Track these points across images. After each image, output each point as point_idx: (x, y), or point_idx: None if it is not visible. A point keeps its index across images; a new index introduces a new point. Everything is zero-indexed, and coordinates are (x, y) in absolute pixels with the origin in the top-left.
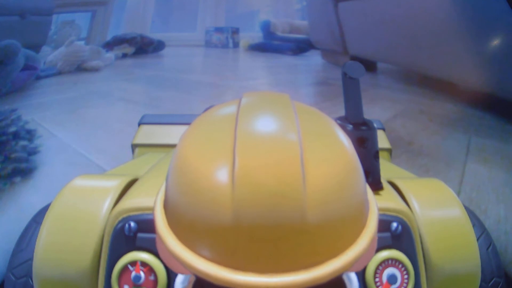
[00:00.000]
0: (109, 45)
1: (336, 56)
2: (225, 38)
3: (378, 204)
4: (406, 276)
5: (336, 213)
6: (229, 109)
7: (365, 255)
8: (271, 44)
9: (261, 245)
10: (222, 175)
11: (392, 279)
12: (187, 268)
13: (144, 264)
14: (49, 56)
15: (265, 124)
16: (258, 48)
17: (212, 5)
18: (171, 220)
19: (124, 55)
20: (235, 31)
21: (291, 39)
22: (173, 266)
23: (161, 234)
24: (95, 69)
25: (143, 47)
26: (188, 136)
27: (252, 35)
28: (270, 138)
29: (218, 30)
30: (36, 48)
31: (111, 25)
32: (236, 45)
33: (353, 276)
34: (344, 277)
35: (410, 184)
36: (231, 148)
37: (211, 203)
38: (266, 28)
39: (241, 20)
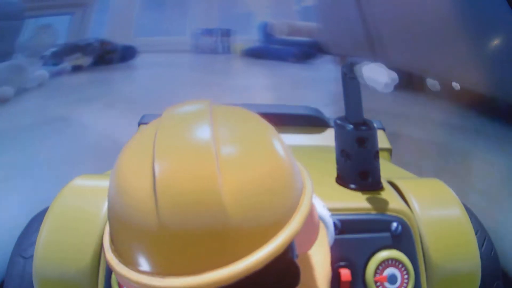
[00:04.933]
0: (57, 56)
1: None
2: (215, 41)
3: (378, 204)
4: (406, 276)
5: (254, 210)
6: (151, 126)
7: (306, 234)
8: (269, 49)
9: (187, 248)
10: (145, 188)
11: (392, 279)
12: (122, 280)
13: None
14: None
15: (181, 135)
16: (254, 53)
17: (204, 6)
18: (114, 241)
19: (77, 68)
20: (226, 33)
21: (293, 42)
22: (122, 283)
23: (107, 257)
24: (3, 100)
25: (105, 55)
26: (119, 157)
27: (246, 38)
28: (186, 147)
29: (207, 32)
30: (3, 56)
31: (91, 29)
32: (227, 50)
33: (325, 215)
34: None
35: (410, 184)
36: (150, 162)
37: (138, 214)
38: (264, 30)
39: (235, 22)
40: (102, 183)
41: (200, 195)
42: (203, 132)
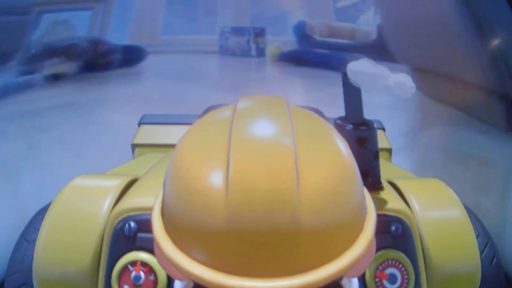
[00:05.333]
0: (34, 61)
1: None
2: (246, 42)
3: (378, 204)
4: (406, 276)
5: (330, 218)
6: (225, 113)
7: (362, 260)
8: (311, 54)
9: (255, 250)
10: (216, 180)
11: (392, 279)
12: (182, 272)
13: (144, 264)
14: None
15: (260, 128)
16: (293, 58)
17: (233, 3)
18: (167, 225)
19: (54, 77)
20: (260, 33)
21: (337, 45)
22: (170, 272)
23: (157, 239)
24: None
25: (99, 60)
26: (184, 141)
27: (282, 39)
28: (264, 142)
29: (237, 31)
30: (6, 55)
31: (113, 26)
32: (261, 52)
33: (354, 280)
34: (344, 283)
35: (410, 184)
36: (225, 153)
37: (205, 208)
38: (301, 31)
39: (267, 22)
40: (102, 183)
41: (275, 198)
42: (283, 128)
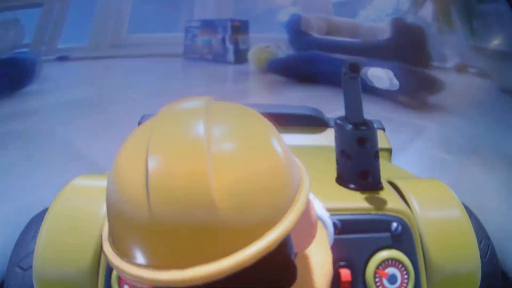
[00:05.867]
0: None
1: None
2: (220, 41)
3: (378, 204)
4: (406, 276)
5: (248, 205)
6: (150, 121)
7: (300, 233)
8: (319, 61)
9: (179, 242)
10: (138, 183)
11: (392, 279)
12: (117, 271)
13: None
14: None
15: (175, 131)
16: (291, 67)
17: None
18: (110, 232)
19: None
20: (240, 28)
21: (342, 45)
22: (118, 274)
23: (103, 247)
24: None
25: None
26: (118, 152)
27: (269, 37)
28: (178, 143)
29: (207, 25)
30: None
31: (69, 25)
32: (241, 56)
33: (324, 215)
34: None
35: (410, 184)
36: (144, 158)
37: (131, 209)
38: (295, 27)
39: (252, 19)
40: (102, 183)
41: (190, 190)
42: (196, 129)
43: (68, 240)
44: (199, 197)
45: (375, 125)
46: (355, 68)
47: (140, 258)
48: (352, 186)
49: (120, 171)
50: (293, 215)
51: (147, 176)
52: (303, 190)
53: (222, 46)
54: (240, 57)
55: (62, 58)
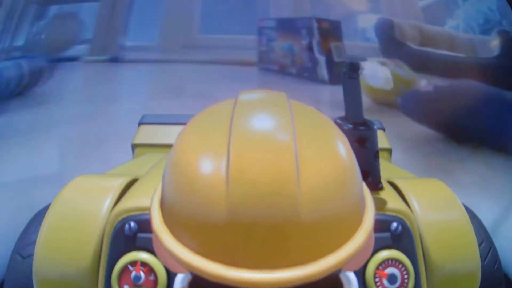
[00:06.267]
0: None
1: None
2: (305, 48)
3: (377, 204)
4: (406, 276)
5: (330, 211)
6: (225, 106)
7: (361, 253)
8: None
9: (255, 242)
10: (217, 173)
11: (392, 279)
12: (181, 264)
13: (144, 264)
14: None
15: (260, 122)
16: (450, 118)
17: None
18: (167, 218)
19: None
20: (330, 30)
21: (449, 60)
22: (169, 265)
23: (156, 231)
24: None
25: None
26: (184, 133)
27: (352, 44)
28: (265, 135)
29: (285, 25)
30: None
31: (134, 22)
32: (337, 75)
33: (352, 277)
34: (342, 277)
35: (410, 184)
36: (225, 145)
37: (206, 200)
38: (388, 33)
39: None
40: (102, 183)
41: (275, 185)
42: (284, 123)
43: (68, 239)
44: (284, 199)
45: (375, 125)
46: (355, 68)
47: (205, 250)
48: None
49: (192, 152)
50: (363, 234)
51: (228, 165)
52: (370, 210)
53: (308, 55)
54: (337, 75)
55: (117, 59)
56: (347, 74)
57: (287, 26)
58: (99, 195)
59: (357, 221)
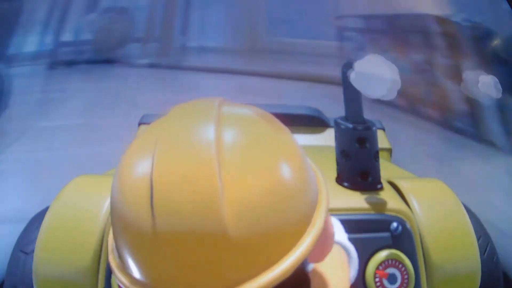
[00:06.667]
0: None
1: None
2: (421, 67)
3: (377, 204)
4: (406, 276)
5: (262, 223)
6: (156, 128)
7: (320, 248)
8: None
9: (184, 267)
10: (143, 194)
11: (392, 279)
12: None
13: None
14: None
15: (183, 139)
16: None
17: None
18: (116, 246)
19: None
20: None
21: None
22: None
23: (109, 257)
24: None
25: None
26: (120, 162)
27: None
28: (187, 153)
29: (382, 25)
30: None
31: (195, 20)
32: None
33: (349, 245)
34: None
35: (410, 184)
36: (150, 167)
37: (133, 220)
38: None
39: None
40: (102, 183)
41: (198, 205)
42: (206, 136)
43: (68, 239)
44: (207, 213)
45: (375, 125)
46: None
47: (140, 274)
48: (352, 186)
49: (124, 177)
50: (311, 237)
51: (151, 185)
52: (321, 209)
53: (429, 80)
54: None
55: (177, 65)
56: (347, 74)
57: (384, 26)
58: (99, 195)
59: (303, 225)
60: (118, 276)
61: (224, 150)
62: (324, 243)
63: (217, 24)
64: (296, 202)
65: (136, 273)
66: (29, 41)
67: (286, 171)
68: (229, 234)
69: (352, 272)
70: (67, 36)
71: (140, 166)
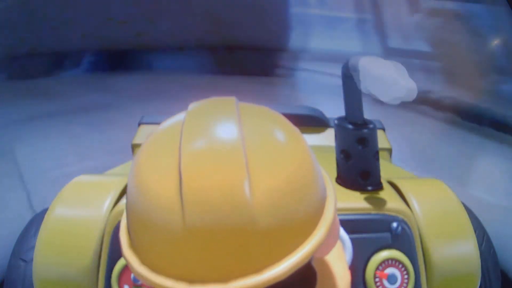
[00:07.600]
0: None
1: None
2: None
3: (377, 204)
4: (406, 276)
5: (287, 212)
6: (175, 124)
7: (326, 242)
8: None
9: (213, 253)
10: (171, 191)
11: (392, 279)
12: (148, 284)
13: None
14: None
15: (208, 137)
16: None
17: None
18: (133, 242)
19: None
20: None
21: None
22: (144, 284)
23: (125, 256)
24: None
25: None
26: (139, 158)
27: None
28: (213, 151)
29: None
30: None
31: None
32: None
33: (345, 236)
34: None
35: (410, 184)
36: (177, 169)
37: (164, 222)
38: None
39: None
40: (102, 183)
41: (228, 198)
42: (231, 132)
43: (68, 240)
44: (237, 206)
45: (375, 125)
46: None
47: (170, 269)
48: (352, 186)
49: (148, 175)
50: (325, 225)
51: (180, 181)
52: (330, 199)
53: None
54: None
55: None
56: (347, 74)
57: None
58: (99, 195)
59: (318, 215)
60: (141, 271)
61: (249, 142)
62: (331, 235)
63: None
64: (313, 190)
65: (164, 267)
66: None
67: (303, 162)
68: (257, 222)
69: (347, 256)
70: None
71: (164, 159)
